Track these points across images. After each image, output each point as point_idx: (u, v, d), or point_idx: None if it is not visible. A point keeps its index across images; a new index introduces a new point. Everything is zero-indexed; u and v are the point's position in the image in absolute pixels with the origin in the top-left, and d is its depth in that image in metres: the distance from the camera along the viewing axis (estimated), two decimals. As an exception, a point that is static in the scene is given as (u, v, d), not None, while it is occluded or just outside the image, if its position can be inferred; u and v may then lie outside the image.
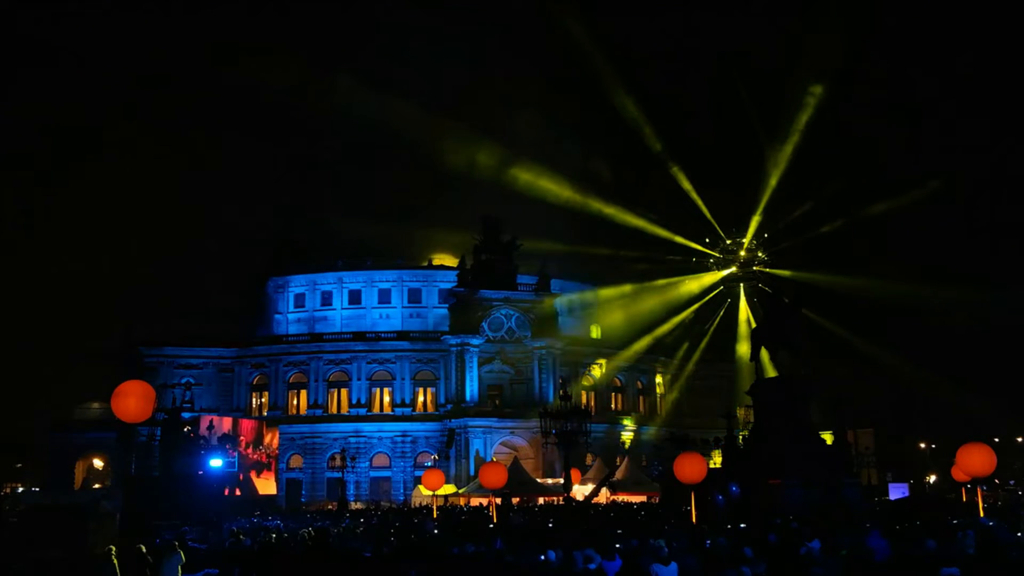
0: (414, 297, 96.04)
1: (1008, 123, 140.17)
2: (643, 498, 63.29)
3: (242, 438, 73.69)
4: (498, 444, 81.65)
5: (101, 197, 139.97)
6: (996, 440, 69.03)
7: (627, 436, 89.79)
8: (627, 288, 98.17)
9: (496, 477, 39.63)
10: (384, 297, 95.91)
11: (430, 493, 50.70)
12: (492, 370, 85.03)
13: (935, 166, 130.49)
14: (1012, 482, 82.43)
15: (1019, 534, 20.70)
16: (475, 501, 62.49)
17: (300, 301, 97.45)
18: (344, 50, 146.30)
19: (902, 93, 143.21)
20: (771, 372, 47.34)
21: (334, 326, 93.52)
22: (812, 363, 45.57)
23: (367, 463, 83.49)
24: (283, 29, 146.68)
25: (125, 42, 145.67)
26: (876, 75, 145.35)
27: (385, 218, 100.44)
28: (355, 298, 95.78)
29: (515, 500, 57.67)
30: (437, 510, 45.38)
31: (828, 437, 50.68)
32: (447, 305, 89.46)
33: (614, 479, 68.34)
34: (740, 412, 62.97)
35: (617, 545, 18.41)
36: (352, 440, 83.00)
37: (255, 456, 74.48)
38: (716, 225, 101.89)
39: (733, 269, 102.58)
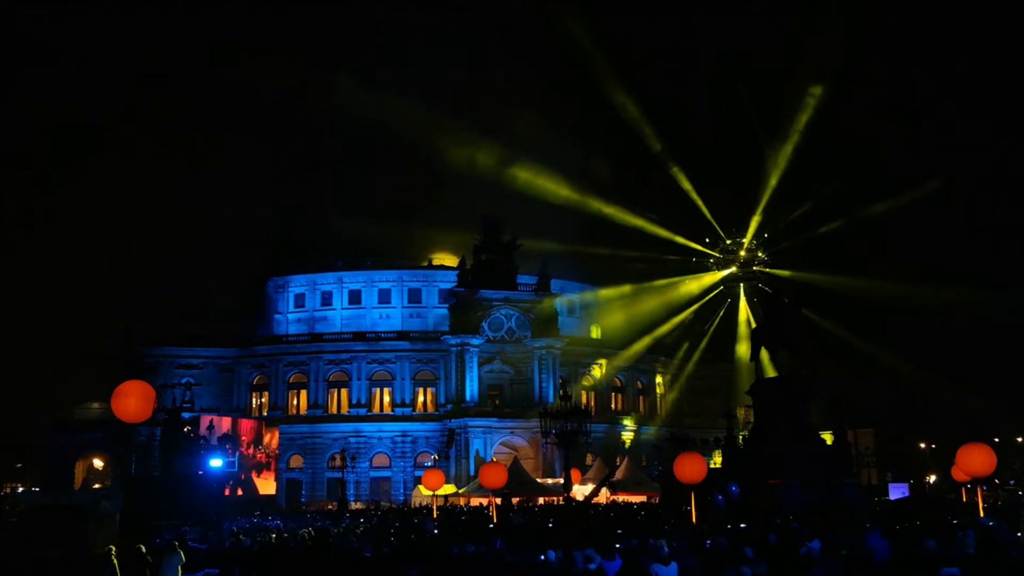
0: (414, 297, 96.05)
1: (1008, 123, 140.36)
2: (643, 498, 63.29)
3: (243, 438, 73.72)
4: (498, 444, 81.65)
5: (101, 197, 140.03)
6: (996, 440, 69.03)
7: (627, 436, 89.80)
8: (627, 288, 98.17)
9: (496, 477, 39.64)
10: (384, 297, 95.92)
11: (430, 493, 50.70)
12: (492, 370, 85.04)
13: (935, 166, 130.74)
14: (1012, 482, 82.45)
15: (1019, 534, 20.70)
16: (475, 501, 62.49)
17: (300, 301, 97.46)
18: (344, 50, 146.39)
19: (902, 93, 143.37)
20: (771, 372, 47.32)
21: (334, 326, 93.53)
22: (812, 363, 45.56)
23: (367, 463, 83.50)
24: (283, 29, 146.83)
25: (125, 42, 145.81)
26: (876, 75, 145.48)
27: (385, 218, 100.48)
28: (355, 298, 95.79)
29: (515, 500, 57.66)
30: (437, 510, 45.38)
31: (828, 437, 50.68)
32: (447, 305, 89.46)
33: (614, 479, 68.35)
34: (740, 412, 62.92)
35: (617, 545, 18.41)
36: (352, 440, 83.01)
37: (255, 456, 74.50)
38: (716, 225, 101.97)
39: (733, 269, 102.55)
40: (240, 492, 70.08)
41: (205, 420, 69.75)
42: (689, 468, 27.92)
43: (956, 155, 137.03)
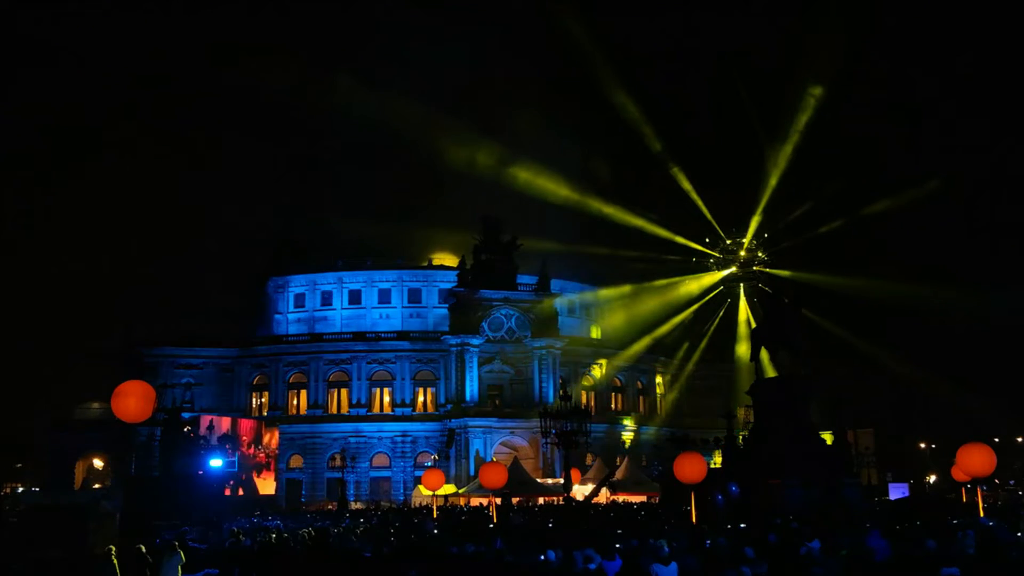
0: (414, 297, 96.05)
1: (1008, 123, 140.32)
2: (643, 498, 63.31)
3: (243, 438, 73.74)
4: (498, 444, 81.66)
5: (101, 197, 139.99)
6: (996, 440, 69.01)
7: (627, 436, 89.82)
8: (627, 288, 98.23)
9: (496, 477, 39.65)
10: (384, 297, 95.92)
11: (430, 493, 50.70)
12: (492, 370, 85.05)
13: (935, 166, 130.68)
14: (1012, 482, 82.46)
15: (1019, 534, 20.70)
16: (475, 501, 62.50)
17: (300, 301, 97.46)
18: (344, 50, 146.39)
19: (902, 93, 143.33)
20: (771, 372, 47.33)
21: (334, 326, 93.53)
22: (812, 363, 45.57)
23: (367, 463, 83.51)
24: (283, 29, 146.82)
25: (125, 42, 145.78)
26: (876, 75, 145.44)
27: (385, 218, 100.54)
28: (355, 298, 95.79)
29: (515, 500, 57.67)
30: (437, 510, 45.39)
31: (828, 437, 50.66)
32: (447, 305, 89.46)
33: (614, 479, 68.35)
34: (740, 412, 62.95)
35: (617, 545, 18.41)
36: (352, 440, 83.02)
37: (255, 456, 74.53)
38: (716, 225, 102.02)
39: (733, 269, 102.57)
40: (241, 492, 70.14)
41: (205, 420, 69.78)
42: (689, 468, 27.93)
43: (956, 155, 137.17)
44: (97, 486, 75.30)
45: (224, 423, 72.77)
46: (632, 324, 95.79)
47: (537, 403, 79.02)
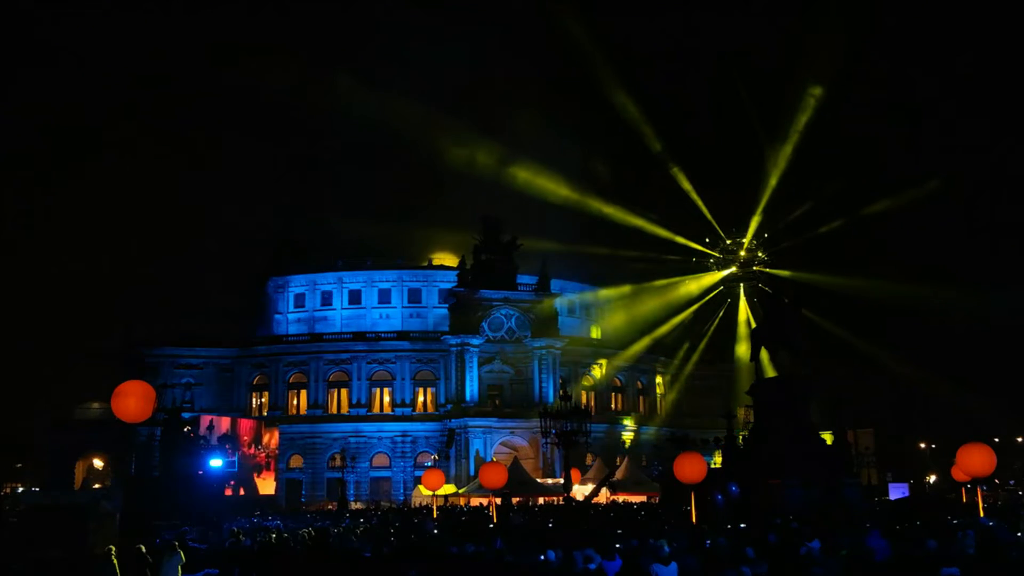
0: (414, 297, 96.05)
1: (1008, 123, 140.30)
2: (643, 498, 63.30)
3: (243, 438, 73.77)
4: (498, 444, 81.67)
5: (101, 197, 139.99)
6: (996, 440, 69.01)
7: (627, 436, 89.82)
8: (627, 288, 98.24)
9: (496, 477, 39.65)
10: (384, 297, 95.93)
11: (430, 493, 50.70)
12: (492, 370, 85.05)
13: (935, 166, 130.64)
14: (1012, 482, 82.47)
15: (1019, 534, 20.70)
16: (475, 501, 62.50)
17: (300, 301, 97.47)
18: (344, 50, 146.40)
19: (902, 93, 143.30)
20: (771, 372, 47.33)
21: (334, 326, 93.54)
22: (812, 363, 45.59)
23: (367, 463, 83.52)
24: (283, 29, 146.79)
25: (125, 42, 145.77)
26: (876, 75, 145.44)
27: (385, 218, 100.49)
28: (355, 298, 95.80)
29: (515, 500, 57.66)
30: (437, 510, 45.39)
31: (828, 437, 50.66)
32: (447, 305, 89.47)
33: (614, 479, 68.34)
34: (740, 412, 62.93)
35: (617, 545, 18.40)
36: (352, 440, 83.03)
37: (255, 456, 74.54)
38: (716, 225, 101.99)
39: (733, 269, 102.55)
40: (242, 492, 70.18)
41: (205, 420, 69.82)
42: (689, 468, 27.93)
43: (956, 155, 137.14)
44: (97, 486, 75.23)
45: (224, 423, 72.78)
46: (632, 324, 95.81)
47: (537, 403, 79.03)
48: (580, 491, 64.41)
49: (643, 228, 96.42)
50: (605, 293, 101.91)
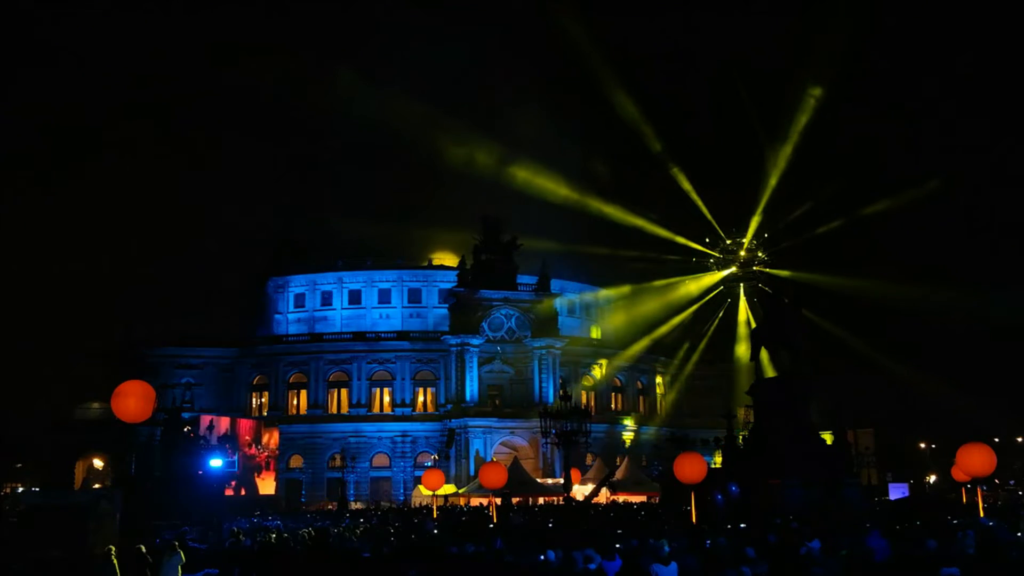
0: (414, 297, 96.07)
1: (1008, 123, 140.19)
2: (643, 498, 63.32)
3: (244, 438, 73.78)
4: (498, 444, 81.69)
5: (101, 197, 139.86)
6: (996, 440, 69.02)
7: (627, 436, 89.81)
8: (627, 288, 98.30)
9: (496, 477, 39.68)
10: (384, 297, 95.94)
11: (430, 493, 50.72)
12: (492, 370, 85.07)
13: (935, 166, 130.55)
14: (1012, 482, 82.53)
15: (1019, 534, 20.71)
16: (475, 501, 62.51)
17: (300, 301, 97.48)
18: (344, 50, 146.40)
19: (902, 93, 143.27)
20: (771, 372, 47.33)
21: (334, 326, 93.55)
22: (812, 363, 45.56)
23: (367, 463, 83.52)
24: (283, 29, 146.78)
25: (125, 42, 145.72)
26: (876, 75, 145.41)
27: (385, 218, 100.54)
28: (355, 298, 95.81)
29: (515, 500, 57.67)
30: (437, 510, 45.41)
31: (828, 437, 50.67)
32: (447, 305, 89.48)
33: (614, 479, 68.35)
34: (740, 412, 62.93)
35: (617, 545, 18.41)
36: (352, 440, 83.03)
37: (255, 456, 74.52)
38: (716, 225, 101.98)
39: (733, 269, 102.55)
40: (243, 492, 70.21)
41: (205, 420, 69.77)
42: (689, 468, 27.94)
43: (956, 155, 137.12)
44: (97, 486, 75.25)
45: (224, 423, 72.75)
46: (632, 324, 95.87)
47: (537, 403, 79.05)
48: (580, 491, 64.41)
49: (643, 228, 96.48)
50: (605, 293, 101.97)
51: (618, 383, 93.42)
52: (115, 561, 16.28)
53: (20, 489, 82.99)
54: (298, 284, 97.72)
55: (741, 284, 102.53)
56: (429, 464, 75.51)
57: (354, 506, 68.76)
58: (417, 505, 66.69)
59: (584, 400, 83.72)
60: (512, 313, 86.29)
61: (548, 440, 57.89)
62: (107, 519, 17.88)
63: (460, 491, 70.61)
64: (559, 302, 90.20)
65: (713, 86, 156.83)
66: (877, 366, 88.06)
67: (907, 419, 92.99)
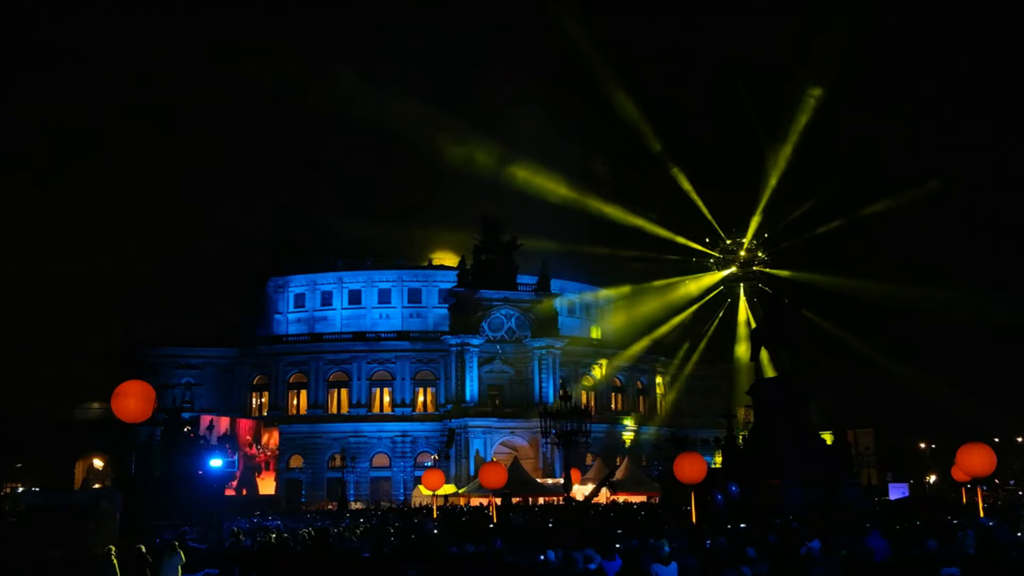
0: (414, 297, 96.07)
1: (1008, 123, 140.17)
2: (643, 498, 63.31)
3: (244, 438, 73.80)
4: (498, 444, 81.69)
5: (101, 197, 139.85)
6: (996, 440, 69.00)
7: (627, 436, 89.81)
8: (627, 288, 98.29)
9: (496, 477, 39.69)
10: (384, 297, 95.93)
11: (430, 493, 50.72)
12: (492, 370, 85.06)
13: (935, 166, 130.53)
14: (1012, 482, 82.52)
15: (1019, 534, 20.71)
16: (475, 501, 62.51)
17: (300, 301, 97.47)
18: (344, 50, 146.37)
19: (902, 93, 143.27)
20: (771, 372, 47.32)
21: (334, 326, 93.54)
22: (812, 363, 45.56)
23: (367, 463, 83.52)
24: (283, 29, 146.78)
25: (125, 42, 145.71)
26: (876, 75, 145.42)
27: (385, 218, 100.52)
28: (355, 298, 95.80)
29: (515, 500, 57.68)
30: (437, 510, 45.40)
31: (828, 437, 50.67)
32: (447, 305, 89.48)
33: (614, 479, 68.35)
34: (740, 412, 62.94)
35: (617, 545, 18.41)
36: (352, 440, 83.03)
37: (256, 456, 74.54)
38: (716, 225, 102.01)
39: (733, 269, 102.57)
40: (245, 492, 70.25)
41: (205, 420, 69.81)
42: (689, 468, 27.94)
43: (956, 155, 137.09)
44: (97, 486, 75.23)
45: (224, 423, 72.77)
46: (632, 324, 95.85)
47: (537, 403, 79.04)
48: (580, 491, 64.41)
49: (643, 228, 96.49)
50: (605, 293, 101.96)
51: (618, 383, 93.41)
52: (115, 561, 16.29)
53: (20, 489, 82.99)
54: (298, 284, 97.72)
55: (741, 284, 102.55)
56: (429, 464, 75.51)
57: (354, 506, 68.76)
58: (417, 505, 66.69)
59: (584, 400, 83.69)
60: (512, 313, 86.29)
61: (548, 440, 57.91)
62: (107, 519, 17.88)
63: (460, 491, 70.61)
64: (559, 302, 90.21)
65: (713, 86, 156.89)
66: (877, 366, 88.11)
67: (907, 419, 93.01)
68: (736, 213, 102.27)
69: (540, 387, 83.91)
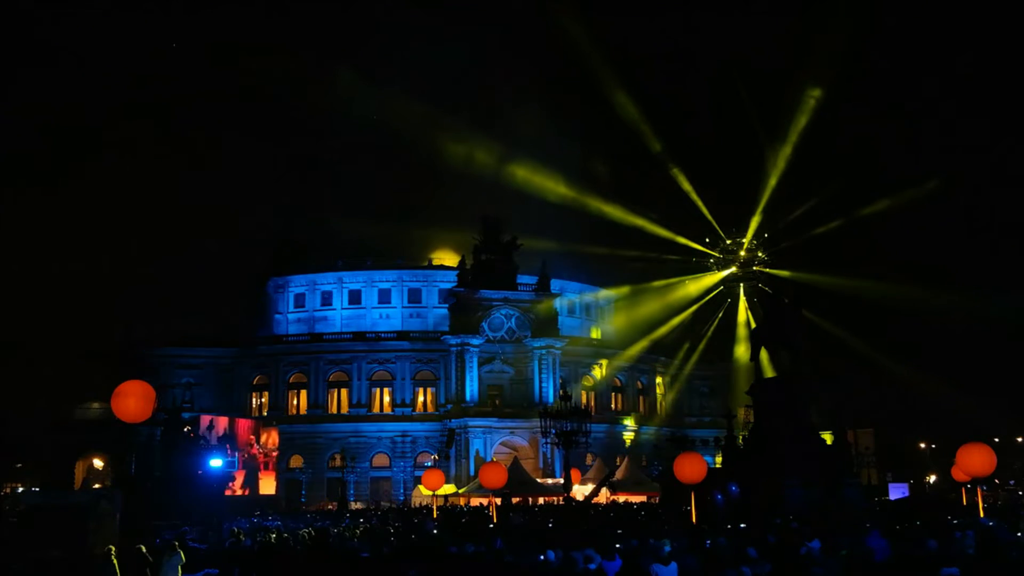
0: (414, 297, 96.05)
1: (1008, 123, 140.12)
2: (643, 498, 63.32)
3: (250, 437, 73.86)
4: (498, 444, 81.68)
5: (101, 197, 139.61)
6: (996, 440, 68.99)
7: (627, 436, 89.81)
8: (627, 288, 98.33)
9: (496, 477, 39.69)
10: (384, 297, 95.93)
11: (430, 493, 50.72)
12: (492, 370, 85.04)
13: (935, 166, 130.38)
14: (1012, 482, 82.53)
15: (1019, 534, 20.70)
16: (475, 501, 62.51)
17: (300, 301, 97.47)
18: (344, 49, 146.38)
19: (902, 93, 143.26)
20: (771, 372, 47.33)
21: (334, 326, 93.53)
22: (812, 363, 45.57)
23: (367, 463, 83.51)
24: (283, 29, 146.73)
25: (125, 42, 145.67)
26: (876, 75, 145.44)
27: (385, 218, 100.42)
28: (355, 298, 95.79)
29: (515, 500, 57.67)
30: (437, 510, 45.40)
31: (828, 437, 50.66)
32: (447, 305, 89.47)
33: (614, 479, 68.36)
34: (740, 412, 62.97)
35: (617, 545, 18.40)
36: (352, 440, 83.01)
37: (256, 456, 74.55)
38: (716, 225, 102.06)
39: (733, 269, 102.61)
40: (247, 492, 70.28)
41: (205, 420, 69.82)
42: (689, 468, 27.95)
43: (956, 155, 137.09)
44: (97, 486, 75.21)
45: (224, 423, 72.79)
46: (632, 324, 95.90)
47: (537, 403, 79.03)
48: (580, 491, 64.43)
49: (643, 228, 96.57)
50: (605, 293, 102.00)
51: (618, 383, 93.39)
52: (115, 561, 16.29)
53: (20, 489, 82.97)
54: (298, 284, 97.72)
55: (741, 284, 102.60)
56: (429, 464, 75.51)
57: (354, 506, 68.75)
58: (417, 505, 66.69)
59: (584, 400, 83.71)
60: (512, 313, 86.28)
61: (548, 440, 57.86)
62: (107, 519, 17.88)
63: (460, 491, 70.61)
64: (559, 302, 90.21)
65: (713, 86, 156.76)
66: (877, 366, 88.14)
67: (907, 419, 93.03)
68: (736, 213, 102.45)
69: (540, 387, 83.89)
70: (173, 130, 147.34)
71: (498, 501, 46.23)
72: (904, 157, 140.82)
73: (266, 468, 75.77)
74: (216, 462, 61.14)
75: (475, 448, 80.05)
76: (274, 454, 77.40)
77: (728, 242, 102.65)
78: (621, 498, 63.65)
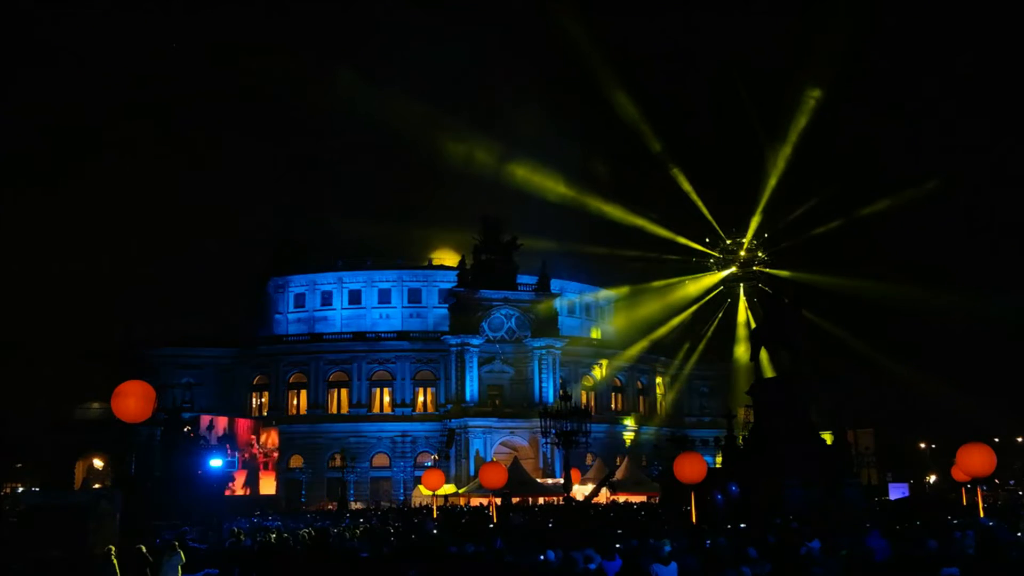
0: (414, 297, 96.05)
1: (1008, 123, 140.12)
2: (643, 498, 63.33)
3: (251, 437, 73.85)
4: (498, 444, 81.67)
5: (101, 197, 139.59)
6: (996, 440, 69.00)
7: (627, 436, 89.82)
8: (627, 288, 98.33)
9: (496, 477, 39.69)
10: (384, 297, 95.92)
11: (430, 493, 50.73)
12: (492, 370, 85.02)
13: (935, 166, 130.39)
14: (1012, 482, 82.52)
15: (1019, 534, 20.70)
16: (475, 501, 62.51)
17: (300, 301, 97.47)
18: (344, 49, 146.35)
19: (902, 93, 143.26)
20: (771, 372, 47.34)
21: (334, 326, 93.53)
22: (812, 363, 45.57)
23: (367, 463, 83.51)
24: (283, 29, 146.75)
25: (125, 42, 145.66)
26: (876, 75, 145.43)
27: (385, 218, 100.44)
28: (355, 298, 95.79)
29: (515, 500, 57.68)
30: (437, 510, 45.41)
31: (828, 437, 50.65)
32: (447, 305, 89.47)
33: (614, 479, 68.38)
34: (740, 412, 62.97)
35: (617, 545, 18.40)
36: (352, 440, 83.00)
37: (257, 456, 74.56)
38: (716, 225, 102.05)
39: (733, 269, 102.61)
40: (247, 492, 70.27)
41: (205, 420, 69.82)
42: (689, 468, 27.95)
43: (956, 155, 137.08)
44: (97, 486, 75.19)
45: (224, 423, 72.80)
46: (632, 324, 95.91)
47: (537, 403, 79.04)
48: (580, 491, 64.44)
49: (643, 228, 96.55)
50: (605, 293, 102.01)
51: (618, 383, 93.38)
52: (115, 561, 16.29)
53: (20, 489, 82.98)
54: (298, 284, 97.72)
55: (741, 284, 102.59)
56: (429, 464, 75.52)
57: (354, 506, 68.76)
58: (417, 505, 66.71)
59: (584, 400, 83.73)
60: (512, 313, 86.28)
61: (548, 440, 57.90)
62: (107, 519, 17.88)
63: (460, 491, 70.62)
64: (559, 302, 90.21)
65: (713, 86, 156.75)
66: (877, 366, 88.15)
67: (907, 419, 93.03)
68: (736, 213, 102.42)
69: (540, 387, 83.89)
70: (173, 130, 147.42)
71: (498, 501, 46.24)
72: (904, 157, 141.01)
73: (266, 468, 75.78)
74: (216, 462, 61.13)
75: (475, 448, 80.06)
76: (274, 454, 77.44)
77: (728, 242, 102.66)
78: (621, 498, 63.66)
